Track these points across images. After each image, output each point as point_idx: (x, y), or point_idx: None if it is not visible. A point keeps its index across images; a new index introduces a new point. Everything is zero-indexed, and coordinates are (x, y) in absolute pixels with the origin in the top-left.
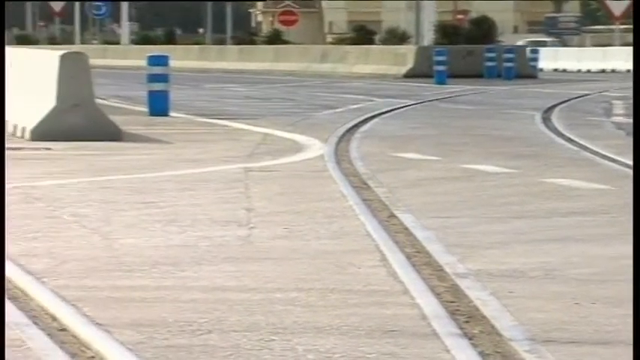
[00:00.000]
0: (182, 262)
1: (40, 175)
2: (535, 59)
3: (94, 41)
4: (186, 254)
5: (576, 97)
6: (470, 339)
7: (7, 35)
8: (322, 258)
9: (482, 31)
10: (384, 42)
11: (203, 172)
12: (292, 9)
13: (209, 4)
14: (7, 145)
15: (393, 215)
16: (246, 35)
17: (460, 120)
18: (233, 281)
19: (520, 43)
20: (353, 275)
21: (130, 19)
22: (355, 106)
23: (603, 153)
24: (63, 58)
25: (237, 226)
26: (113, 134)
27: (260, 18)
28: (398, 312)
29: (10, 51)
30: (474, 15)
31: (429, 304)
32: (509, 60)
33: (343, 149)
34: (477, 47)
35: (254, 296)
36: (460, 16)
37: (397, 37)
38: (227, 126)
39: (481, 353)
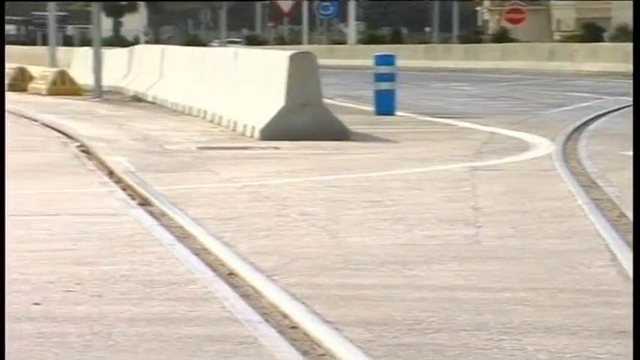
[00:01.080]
0: (409, 260)
1: (269, 173)
2: None
3: (323, 40)
4: (413, 253)
5: None
6: None
7: (237, 35)
8: (551, 257)
9: None
10: (614, 39)
11: (429, 171)
12: (519, 7)
13: (436, 3)
14: (237, 145)
15: (623, 215)
16: (472, 34)
17: None
18: (461, 280)
19: None
20: (582, 275)
21: (357, 19)
22: (583, 105)
23: None
24: (292, 58)
25: (465, 225)
26: (340, 133)
27: (487, 16)
28: (629, 313)
29: (237, 51)
30: None
31: None
32: None
33: (571, 148)
34: None
35: (482, 295)
36: None
37: (627, 35)
38: (453, 125)
39: None
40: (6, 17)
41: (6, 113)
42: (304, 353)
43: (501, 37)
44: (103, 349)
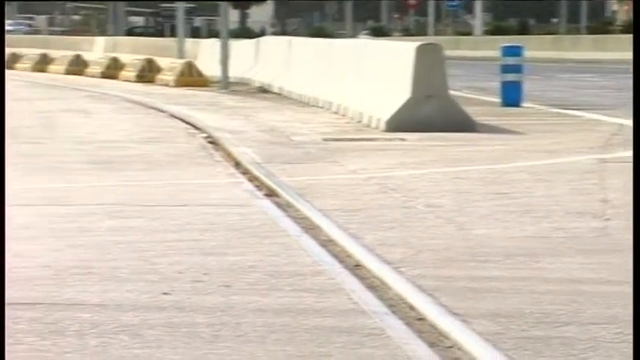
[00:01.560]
0: (537, 253)
1: (394, 165)
2: None
3: (448, 31)
4: (540, 245)
5: None
6: None
7: (363, 27)
8: None
9: None
10: None
11: (556, 163)
12: None
13: None
14: (362, 136)
15: None
16: (600, 24)
17: None
18: (589, 273)
19: None
20: None
21: (484, 10)
22: None
23: None
24: (419, 49)
25: (592, 218)
26: (466, 125)
27: (615, 7)
28: None
29: (362, 42)
30: None
31: None
32: None
33: None
34: None
35: (612, 288)
36: None
37: None
38: (580, 116)
39: None
40: (134, 9)
41: (134, 104)
42: (431, 345)
43: (631, 27)
44: (232, 339)
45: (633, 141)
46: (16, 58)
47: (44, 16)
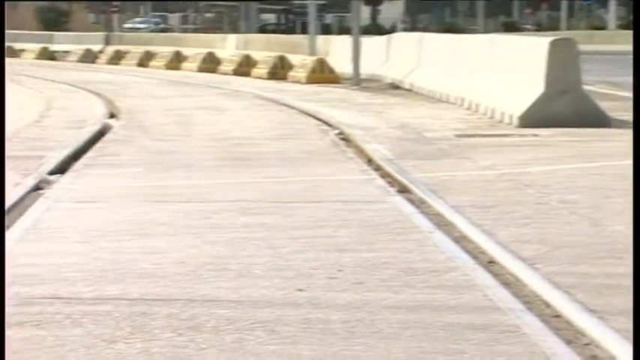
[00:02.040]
0: None
1: (528, 161)
2: None
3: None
4: None
5: None
6: None
7: (494, 22)
8: None
9: None
10: None
11: None
12: None
13: None
14: (495, 132)
15: None
16: None
17: None
18: None
19: None
20: None
21: (618, 4)
22: None
23: None
24: (552, 44)
25: None
26: (601, 120)
27: None
28: None
29: (494, 38)
30: None
31: None
32: None
33: None
34: None
35: None
36: None
37: None
38: None
39: None
40: (266, 6)
41: (266, 101)
42: (568, 342)
43: None
44: (367, 335)
45: (633, 141)
46: (150, 56)
47: (177, 14)
